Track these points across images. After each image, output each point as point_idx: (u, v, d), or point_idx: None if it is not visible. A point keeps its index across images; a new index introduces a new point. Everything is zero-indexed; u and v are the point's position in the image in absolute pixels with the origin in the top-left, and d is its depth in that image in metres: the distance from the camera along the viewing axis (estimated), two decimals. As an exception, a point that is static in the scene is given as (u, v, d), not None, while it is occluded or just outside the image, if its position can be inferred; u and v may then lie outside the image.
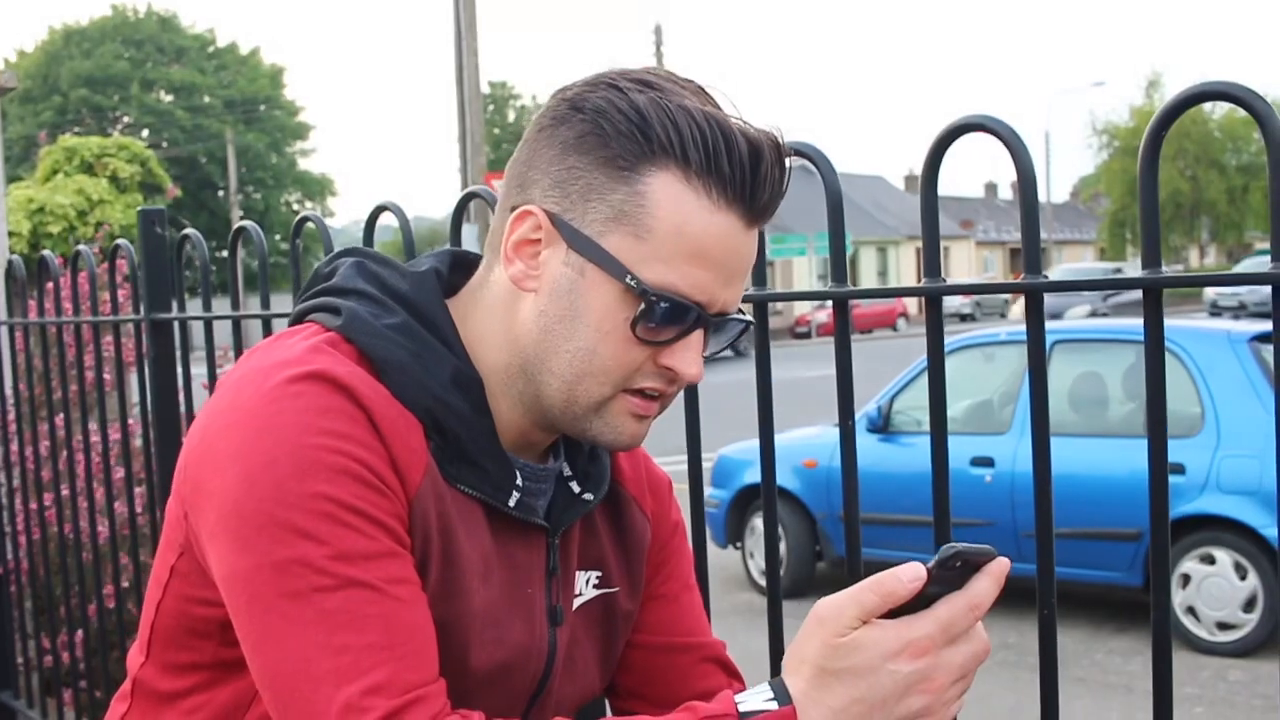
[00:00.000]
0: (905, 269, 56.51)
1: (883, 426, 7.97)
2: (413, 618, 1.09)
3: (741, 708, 1.03)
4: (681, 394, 2.02)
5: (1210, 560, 6.70)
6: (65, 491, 3.51)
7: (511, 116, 66.07)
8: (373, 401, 1.12)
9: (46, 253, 3.60)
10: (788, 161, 1.16)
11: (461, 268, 1.30)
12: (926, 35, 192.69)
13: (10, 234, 8.82)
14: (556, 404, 1.19)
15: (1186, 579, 6.74)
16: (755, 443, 8.97)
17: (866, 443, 7.50)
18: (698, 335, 1.17)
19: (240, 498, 1.09)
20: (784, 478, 8.06)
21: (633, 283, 1.12)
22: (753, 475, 8.34)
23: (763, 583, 8.40)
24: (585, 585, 1.33)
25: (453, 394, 1.17)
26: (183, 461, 1.19)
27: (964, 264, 59.17)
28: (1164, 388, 1.37)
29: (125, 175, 11.29)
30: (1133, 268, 38.94)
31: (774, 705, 1.03)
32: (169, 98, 56.08)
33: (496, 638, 1.21)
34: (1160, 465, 1.38)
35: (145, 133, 51.29)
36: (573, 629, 1.33)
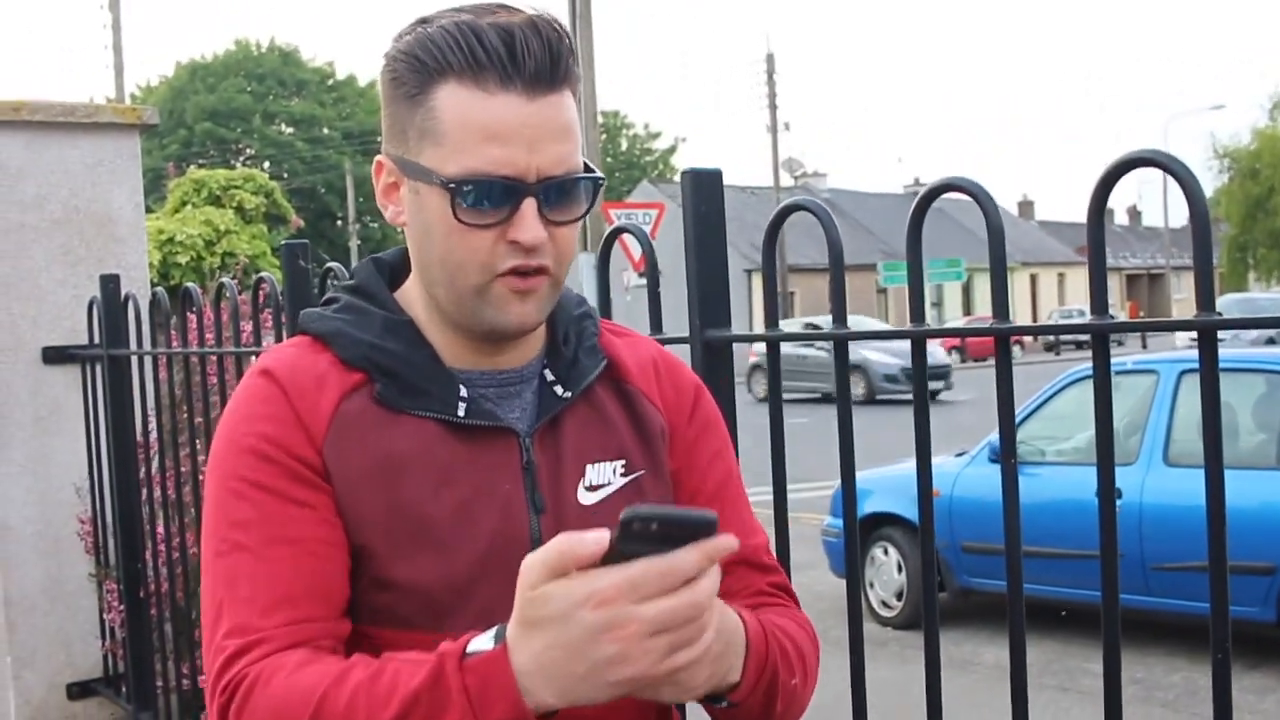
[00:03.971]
0: (1019, 296, 55.76)
1: (1006, 457, 7.83)
2: (278, 573, 1.28)
3: (469, 647, 1.15)
4: (836, 430, 1.98)
5: (1347, 597, 6.50)
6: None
7: (624, 145, 66.50)
8: (286, 375, 1.35)
9: (191, 285, 3.70)
10: (548, 30, 1.30)
11: None
12: (1042, 59, 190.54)
13: (143, 264, 9.04)
14: (451, 307, 1.37)
15: (1321, 616, 6.54)
16: (875, 472, 8.86)
17: (988, 472, 7.38)
18: (529, 205, 1.30)
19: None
20: (904, 507, 7.97)
21: (439, 180, 1.30)
22: (872, 504, 8.27)
23: (881, 613, 8.33)
24: (613, 475, 1.45)
25: (385, 339, 1.38)
26: None
27: (1080, 290, 58.16)
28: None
29: (251, 206, 11.56)
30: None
31: (492, 645, 1.14)
32: (290, 130, 57.39)
33: (472, 532, 1.35)
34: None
35: (266, 164, 52.48)
36: (606, 519, 1.39)
